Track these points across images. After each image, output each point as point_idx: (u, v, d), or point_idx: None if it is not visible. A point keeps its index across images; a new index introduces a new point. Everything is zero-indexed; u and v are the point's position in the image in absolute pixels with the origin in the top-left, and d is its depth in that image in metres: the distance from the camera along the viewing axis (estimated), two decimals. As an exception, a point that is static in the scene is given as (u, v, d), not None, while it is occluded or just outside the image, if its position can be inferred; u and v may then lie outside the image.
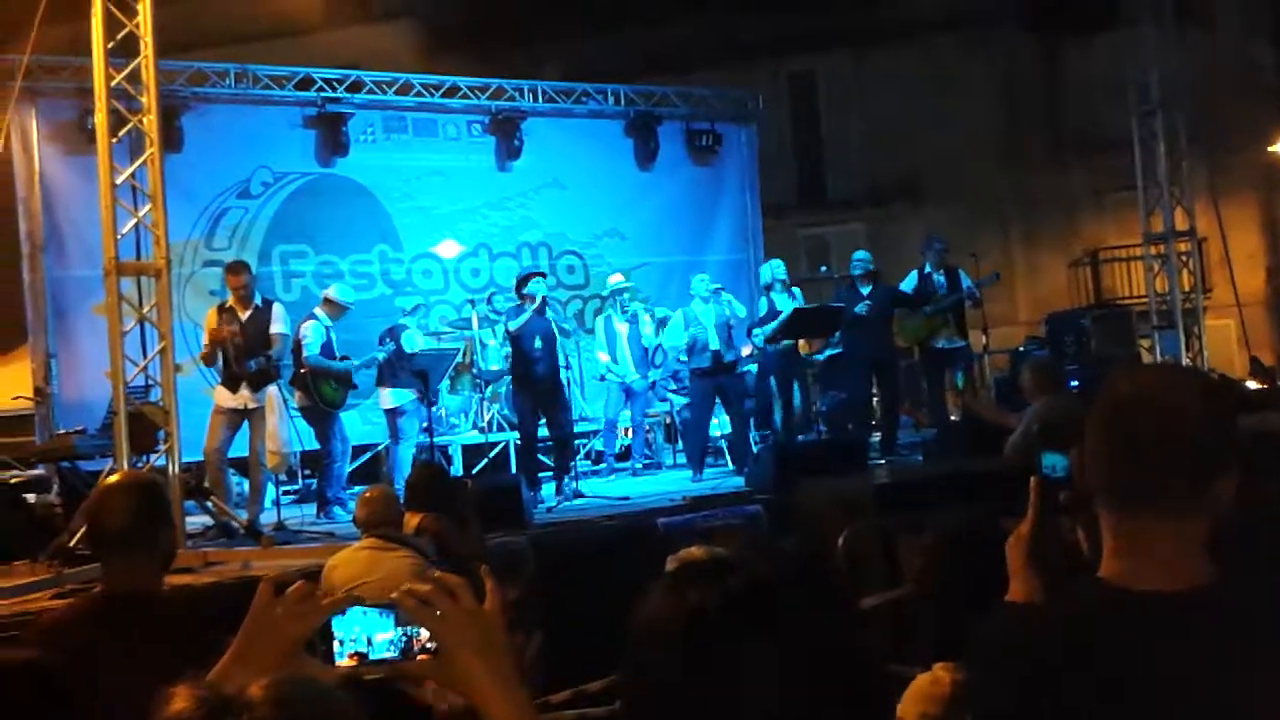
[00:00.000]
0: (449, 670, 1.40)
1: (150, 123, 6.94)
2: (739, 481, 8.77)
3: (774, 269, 9.85)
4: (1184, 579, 1.52)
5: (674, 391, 10.92)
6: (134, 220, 6.96)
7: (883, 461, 9.23)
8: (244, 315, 7.81)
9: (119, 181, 6.81)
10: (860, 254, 10.08)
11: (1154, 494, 1.54)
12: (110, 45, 6.84)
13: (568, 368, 10.25)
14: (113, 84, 6.86)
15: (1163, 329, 11.61)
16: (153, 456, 6.80)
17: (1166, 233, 11.63)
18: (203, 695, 1.08)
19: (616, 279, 10.72)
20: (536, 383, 8.84)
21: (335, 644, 1.44)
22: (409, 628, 1.42)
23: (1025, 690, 1.55)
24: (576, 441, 10.68)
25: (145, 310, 7.05)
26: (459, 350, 10.10)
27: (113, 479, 2.94)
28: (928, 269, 9.99)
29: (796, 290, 9.99)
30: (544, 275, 9.53)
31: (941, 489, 7.13)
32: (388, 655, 1.42)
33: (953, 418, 10.21)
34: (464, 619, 1.41)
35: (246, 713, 1.06)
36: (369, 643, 1.43)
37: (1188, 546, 1.54)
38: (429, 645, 1.41)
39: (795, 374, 9.93)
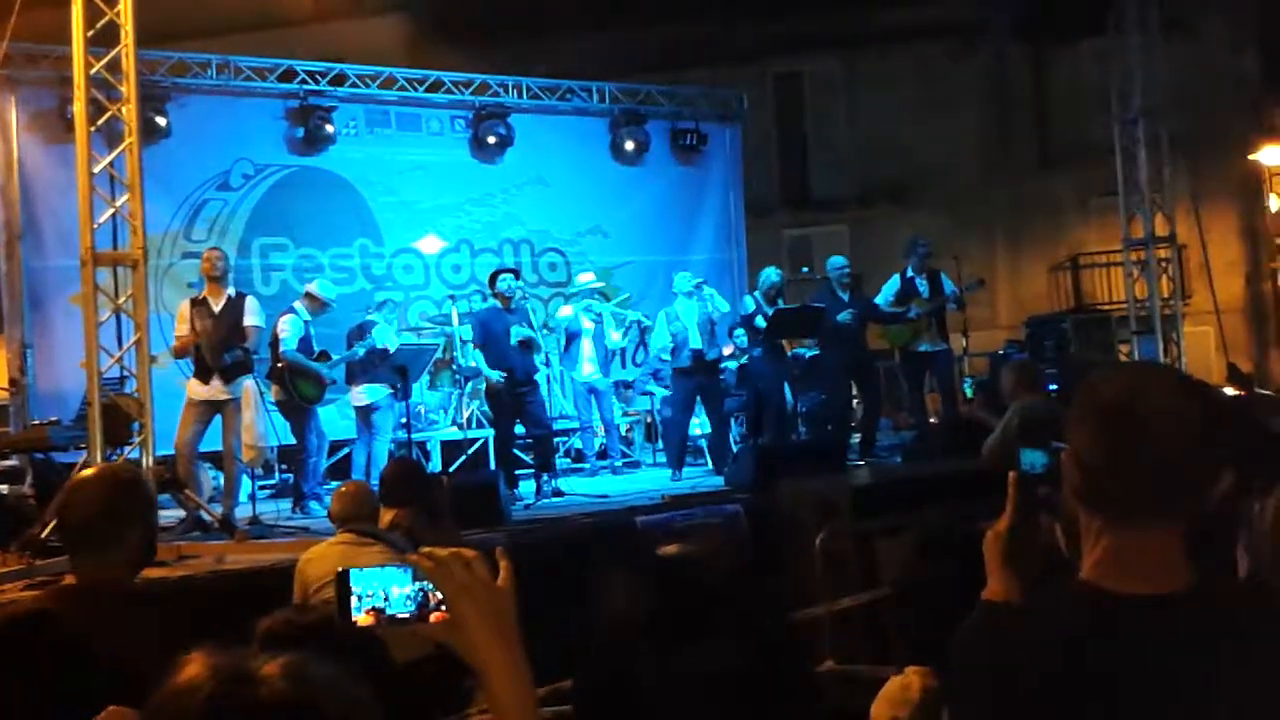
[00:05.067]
0: (461, 635, 1.44)
1: (129, 112, 6.88)
2: (718, 481, 8.76)
3: (768, 276, 9.77)
4: (1168, 582, 1.51)
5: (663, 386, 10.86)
6: (111, 210, 6.90)
7: (861, 463, 9.25)
8: (217, 307, 7.72)
9: (97, 171, 6.75)
10: (838, 259, 10.05)
11: (1144, 501, 1.51)
12: (90, 34, 6.78)
13: (547, 364, 10.24)
14: (92, 73, 6.78)
15: (1141, 334, 11.66)
16: (127, 449, 6.73)
17: (1147, 238, 11.69)
18: (216, 664, 1.07)
19: (587, 277, 10.70)
20: (513, 381, 8.80)
21: (353, 598, 1.47)
22: (425, 583, 1.46)
23: (1005, 693, 1.54)
24: (555, 440, 10.67)
25: (121, 301, 6.98)
26: (439, 346, 10.05)
27: (85, 472, 2.88)
28: (910, 272, 9.99)
29: (781, 302, 9.93)
30: (516, 272, 9.45)
31: (920, 490, 7.14)
32: (404, 611, 1.46)
33: (932, 420, 10.23)
34: (479, 589, 1.44)
35: (263, 686, 1.06)
36: (386, 597, 1.46)
37: (1172, 550, 1.52)
38: (444, 604, 1.45)
39: (785, 375, 9.88)
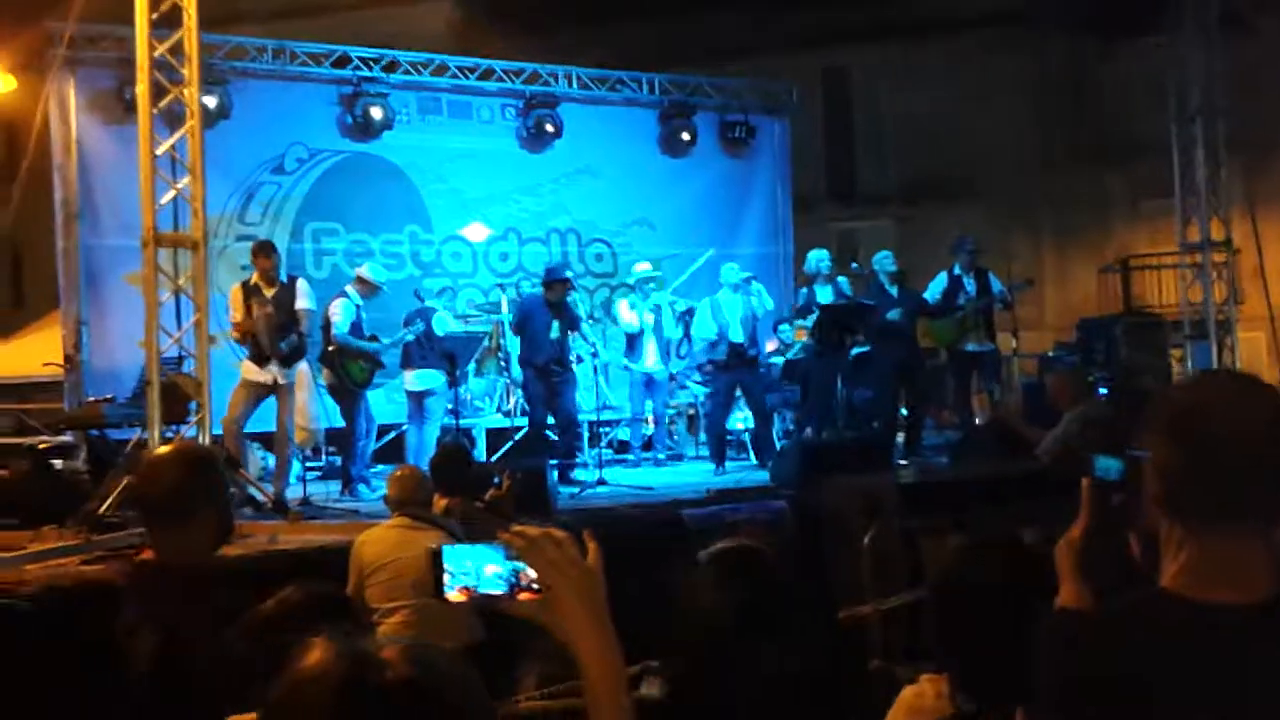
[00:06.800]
0: (553, 613, 1.47)
1: (191, 95, 6.97)
2: (762, 476, 8.75)
3: (818, 259, 9.77)
4: (1253, 590, 1.50)
5: (698, 383, 10.88)
6: (172, 192, 6.99)
7: (906, 462, 9.19)
8: (270, 292, 7.83)
9: (159, 153, 6.83)
10: (884, 254, 10.02)
11: (1230, 507, 1.51)
12: (154, 17, 6.86)
13: (579, 361, 10.20)
14: (155, 56, 6.87)
15: (1195, 339, 11.51)
16: (183, 427, 6.83)
17: (1203, 242, 11.52)
18: (341, 650, 1.10)
19: (643, 267, 10.70)
20: (547, 368, 8.90)
21: (446, 576, 1.48)
22: (517, 563, 1.48)
23: (1083, 702, 1.54)
24: (600, 429, 10.71)
25: (181, 282, 7.07)
26: (487, 334, 10.11)
27: (161, 450, 2.93)
28: (957, 270, 9.90)
29: (842, 280, 9.88)
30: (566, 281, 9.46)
31: (967, 491, 7.10)
32: (496, 589, 1.48)
33: (978, 420, 10.15)
34: (570, 567, 1.47)
35: (389, 669, 1.09)
36: (478, 576, 1.48)
37: (1256, 557, 1.52)
38: (534, 584, 1.47)
39: (839, 371, 9.78)
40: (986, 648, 2.08)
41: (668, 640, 1.64)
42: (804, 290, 9.83)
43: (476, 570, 1.48)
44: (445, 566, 1.48)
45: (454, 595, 1.49)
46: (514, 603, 1.48)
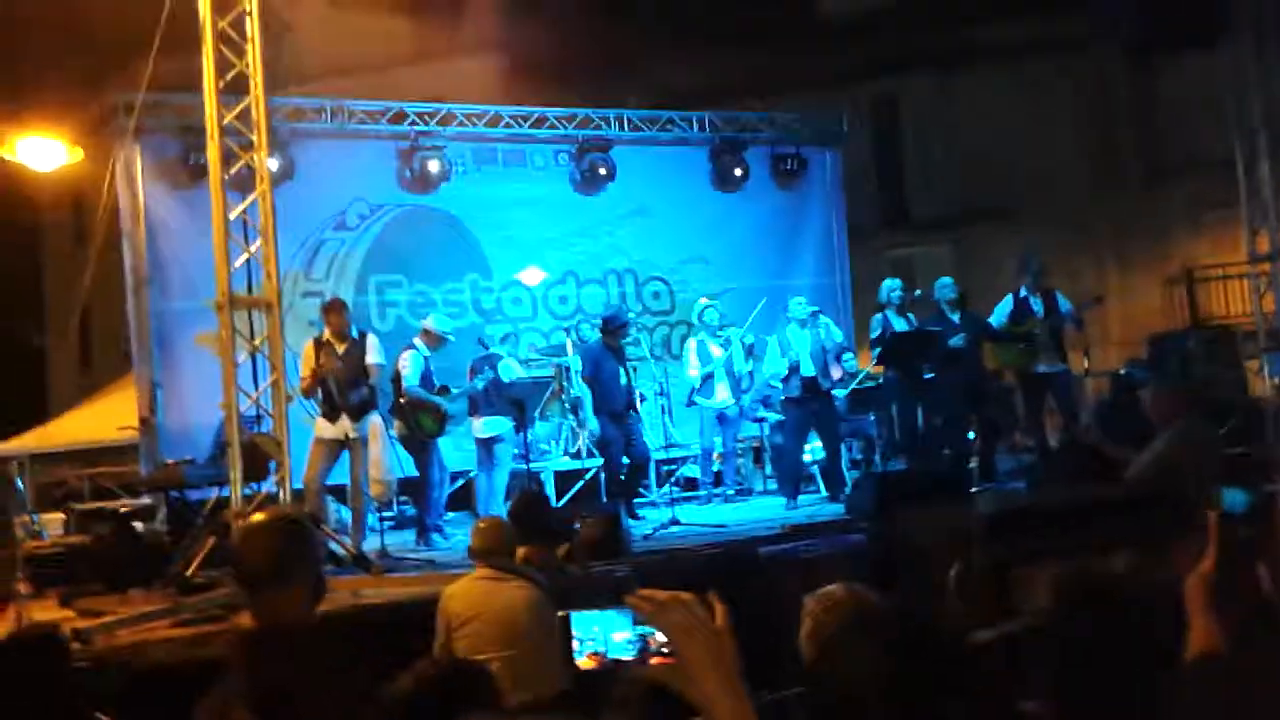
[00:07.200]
0: (684, 677, 1.46)
1: (260, 160, 7.10)
2: (835, 509, 8.66)
3: (889, 289, 9.72)
4: None
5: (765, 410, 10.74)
6: (245, 255, 7.12)
7: (980, 490, 9.03)
8: (341, 347, 7.97)
9: (232, 218, 6.97)
10: (944, 281, 9.95)
11: None
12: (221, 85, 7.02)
13: (643, 399, 10.19)
14: (224, 123, 7.02)
15: (1271, 350, 11.25)
16: (263, 486, 6.91)
17: (1274, 252, 11.29)
18: None
19: (705, 302, 10.69)
20: (623, 413, 9.05)
21: (574, 643, 1.48)
22: (645, 628, 1.48)
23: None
24: (665, 468, 10.68)
25: (257, 343, 7.18)
26: (553, 378, 10.15)
27: (256, 517, 2.98)
28: (1023, 292, 9.78)
29: (912, 316, 9.83)
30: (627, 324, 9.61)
31: (1051, 517, 6.94)
32: (626, 655, 1.50)
33: (1051, 443, 9.98)
34: (699, 630, 1.46)
35: None
36: (607, 642, 1.49)
37: None
38: (664, 649, 1.47)
39: (915, 398, 9.67)
40: (1102, 697, 2.03)
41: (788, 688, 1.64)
42: (877, 317, 9.73)
43: (605, 636, 1.48)
44: (573, 633, 1.49)
45: (584, 662, 1.50)
46: (645, 668, 1.48)
